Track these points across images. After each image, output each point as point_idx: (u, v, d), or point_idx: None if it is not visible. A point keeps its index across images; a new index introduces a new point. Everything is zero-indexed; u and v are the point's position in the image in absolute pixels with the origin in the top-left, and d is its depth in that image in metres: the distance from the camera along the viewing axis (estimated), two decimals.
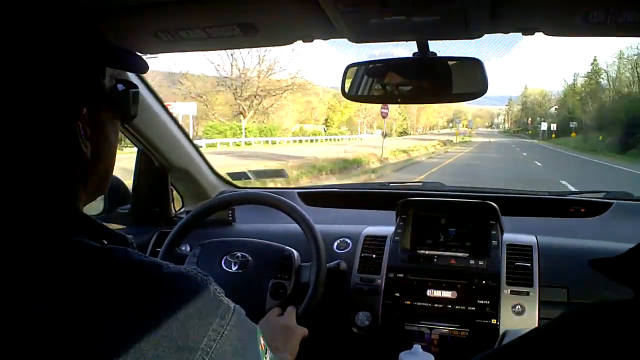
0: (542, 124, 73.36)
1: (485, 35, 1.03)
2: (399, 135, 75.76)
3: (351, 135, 56.54)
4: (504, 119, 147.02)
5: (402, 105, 61.32)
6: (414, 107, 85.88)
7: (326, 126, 57.49)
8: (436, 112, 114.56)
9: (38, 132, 0.60)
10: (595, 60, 69.98)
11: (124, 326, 0.53)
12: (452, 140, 49.96)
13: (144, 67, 0.78)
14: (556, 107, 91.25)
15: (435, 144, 40.71)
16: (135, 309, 0.54)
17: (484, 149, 38.93)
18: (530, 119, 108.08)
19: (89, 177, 0.68)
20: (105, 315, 0.53)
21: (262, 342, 0.67)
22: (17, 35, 0.59)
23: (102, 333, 0.52)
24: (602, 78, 63.61)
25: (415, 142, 37.20)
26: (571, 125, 56.61)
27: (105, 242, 0.63)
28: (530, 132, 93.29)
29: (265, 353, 0.67)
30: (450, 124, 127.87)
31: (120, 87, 0.73)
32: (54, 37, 0.62)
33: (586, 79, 69.47)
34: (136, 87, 0.77)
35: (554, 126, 67.30)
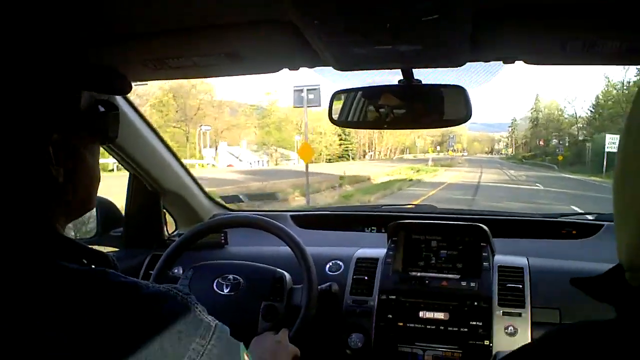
0: (608, 137, 32.73)
1: (468, 64, 1.05)
2: (327, 161, 57.55)
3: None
4: (507, 143, 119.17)
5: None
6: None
7: None
8: (414, 132, 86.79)
9: (7, 158, 0.60)
10: None
11: (102, 350, 0.53)
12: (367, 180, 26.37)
13: (125, 89, 0.78)
14: (582, 124, 65.18)
15: None
16: (113, 332, 0.54)
17: None
18: (542, 141, 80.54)
19: (68, 200, 0.67)
20: (83, 340, 0.53)
21: (247, 358, 0.67)
22: None
23: (79, 356, 0.52)
24: None
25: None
26: None
27: (85, 262, 0.63)
28: (559, 157, 55.95)
29: None
30: (439, 147, 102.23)
31: (100, 108, 0.73)
32: (26, 65, 0.62)
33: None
34: (116, 108, 0.76)
35: None
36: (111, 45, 1.02)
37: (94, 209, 1.87)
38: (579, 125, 68.27)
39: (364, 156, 76.06)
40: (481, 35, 0.88)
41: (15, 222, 0.61)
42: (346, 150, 68.56)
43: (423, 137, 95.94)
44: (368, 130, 64.57)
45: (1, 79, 0.60)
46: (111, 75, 0.75)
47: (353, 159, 67.67)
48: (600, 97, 60.51)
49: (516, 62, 0.98)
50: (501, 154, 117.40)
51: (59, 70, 0.66)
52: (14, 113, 0.60)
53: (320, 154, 60.18)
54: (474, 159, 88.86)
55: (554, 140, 75.04)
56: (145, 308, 0.58)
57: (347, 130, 60.41)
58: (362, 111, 1.27)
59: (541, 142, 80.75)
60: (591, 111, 64.35)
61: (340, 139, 67.16)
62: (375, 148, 78.87)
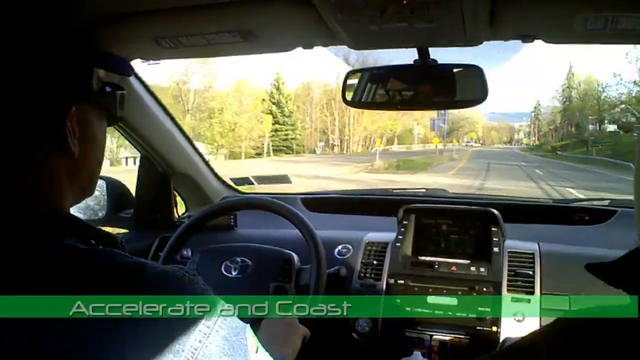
0: None
1: (486, 43, 1.03)
2: (251, 157, 39.18)
3: None
4: (530, 131, 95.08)
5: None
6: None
7: None
8: (410, 116, 62.40)
9: (28, 129, 0.60)
10: None
11: (108, 329, 0.53)
12: None
13: (129, 70, 0.78)
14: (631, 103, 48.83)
15: None
16: (119, 312, 0.54)
17: None
18: (574, 126, 62.67)
19: (75, 177, 0.68)
20: (90, 319, 0.53)
21: (253, 340, 0.67)
22: (12, 36, 0.60)
23: (87, 336, 0.53)
24: None
25: None
26: None
27: (93, 242, 0.63)
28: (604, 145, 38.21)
29: (256, 352, 0.67)
30: (445, 135, 62.01)
31: (107, 89, 0.74)
32: (47, 38, 0.63)
33: None
34: (123, 89, 0.77)
35: None
36: (125, 23, 1.02)
37: (104, 190, 1.88)
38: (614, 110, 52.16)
39: (332, 147, 51.26)
40: (499, 12, 0.87)
41: (28, 199, 0.61)
42: (285, 140, 46.85)
43: (423, 124, 68.57)
44: (337, 112, 52.18)
45: (19, 50, 0.60)
46: (114, 56, 0.76)
47: (294, 152, 46.90)
48: None
49: (535, 40, 0.96)
50: (522, 143, 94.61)
51: (73, 46, 0.67)
52: (36, 83, 0.60)
53: (214, 142, 40.46)
54: (485, 150, 64.72)
55: (590, 125, 59.25)
56: (152, 288, 0.58)
57: (286, 109, 47.03)
58: (375, 91, 1.25)
59: (573, 128, 63.12)
60: None
61: (277, 123, 45.47)
62: (351, 136, 56.42)
